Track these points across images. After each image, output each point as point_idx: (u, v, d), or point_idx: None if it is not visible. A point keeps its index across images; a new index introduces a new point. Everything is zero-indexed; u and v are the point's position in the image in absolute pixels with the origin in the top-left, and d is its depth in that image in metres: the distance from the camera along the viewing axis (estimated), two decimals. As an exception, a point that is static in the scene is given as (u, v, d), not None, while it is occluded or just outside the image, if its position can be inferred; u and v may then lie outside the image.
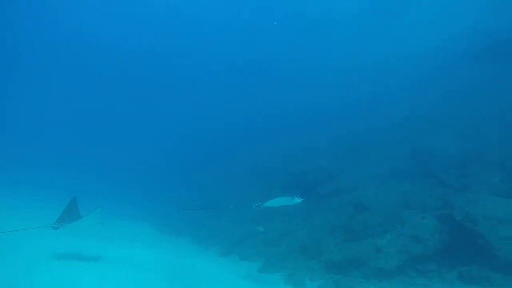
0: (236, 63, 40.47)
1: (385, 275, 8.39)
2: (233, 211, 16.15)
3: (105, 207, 9.04)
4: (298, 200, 9.49)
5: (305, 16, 36.17)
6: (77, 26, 43.48)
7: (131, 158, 33.15)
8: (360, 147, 16.98)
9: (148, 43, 45.00)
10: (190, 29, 43.58)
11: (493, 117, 14.83)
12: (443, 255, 8.14)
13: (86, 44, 45.62)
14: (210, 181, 21.90)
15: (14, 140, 35.77)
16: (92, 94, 48.76)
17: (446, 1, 26.79)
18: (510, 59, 16.64)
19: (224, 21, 40.64)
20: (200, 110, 40.09)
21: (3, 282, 6.71)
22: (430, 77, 20.55)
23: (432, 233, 8.47)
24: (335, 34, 33.47)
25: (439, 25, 24.84)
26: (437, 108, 17.42)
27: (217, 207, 14.49)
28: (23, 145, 34.31)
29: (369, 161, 15.43)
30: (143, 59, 46.99)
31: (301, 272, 10.07)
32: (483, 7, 22.24)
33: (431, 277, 8.03)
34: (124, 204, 20.40)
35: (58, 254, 9.15)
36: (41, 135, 40.44)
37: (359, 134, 18.22)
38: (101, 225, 9.03)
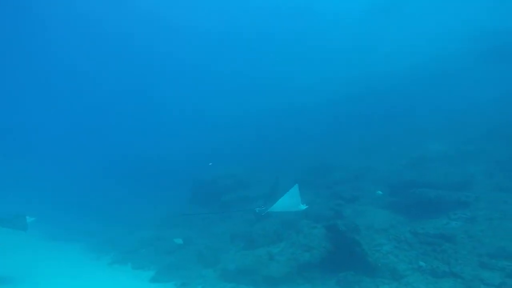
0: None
1: (274, 283, 8.52)
2: (134, 216, 15.11)
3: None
4: (303, 207, 9.24)
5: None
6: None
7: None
8: (270, 158, 17.52)
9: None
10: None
11: (384, 139, 16.88)
12: (327, 263, 8.61)
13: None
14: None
15: None
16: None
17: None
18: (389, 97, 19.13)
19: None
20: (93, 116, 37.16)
21: None
22: (344, 98, 22.59)
23: (319, 242, 8.93)
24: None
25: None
26: (343, 127, 19.16)
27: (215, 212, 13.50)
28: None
29: (277, 172, 15.99)
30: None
31: (195, 281, 9.73)
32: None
33: (315, 284, 8.41)
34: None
35: None
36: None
37: (272, 145, 18.86)
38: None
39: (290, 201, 8.80)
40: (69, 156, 28.86)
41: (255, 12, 32.91)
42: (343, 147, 16.47)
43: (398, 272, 7.71)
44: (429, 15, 27.88)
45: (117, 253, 12.72)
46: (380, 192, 11.21)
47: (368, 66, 25.92)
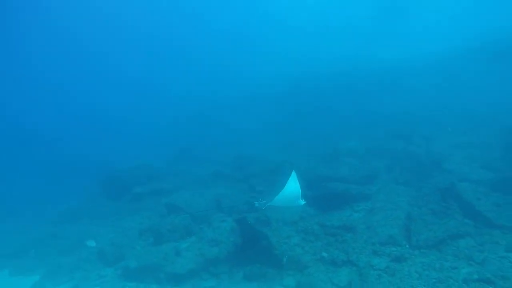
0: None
1: (178, 280, 8.01)
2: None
3: None
4: (302, 202, 8.24)
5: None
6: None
7: None
8: (189, 149, 16.86)
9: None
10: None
11: (304, 135, 17.49)
12: (236, 257, 8.39)
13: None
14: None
15: None
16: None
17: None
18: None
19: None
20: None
21: None
22: (267, 94, 22.88)
23: (228, 236, 8.67)
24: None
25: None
26: (264, 122, 19.35)
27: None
28: None
29: (196, 164, 15.47)
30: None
31: (91, 282, 8.70)
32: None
33: (222, 278, 8.13)
34: None
35: None
36: None
37: (192, 136, 18.20)
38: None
39: (291, 194, 8.32)
40: None
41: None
42: (263, 141, 16.61)
43: (302, 263, 7.84)
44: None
45: (-1, 254, 10.83)
46: None
47: (297, 65, 26.85)
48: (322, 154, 14.11)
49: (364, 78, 21.67)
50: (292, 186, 8.33)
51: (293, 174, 8.23)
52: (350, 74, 22.51)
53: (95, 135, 21.40)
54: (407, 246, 7.59)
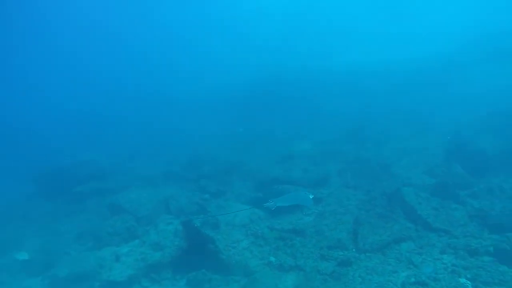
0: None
1: (115, 288, 7.36)
2: None
3: None
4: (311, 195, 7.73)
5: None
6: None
7: None
8: (142, 148, 15.98)
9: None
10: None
11: (261, 136, 17.37)
12: (180, 262, 7.93)
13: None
14: None
15: None
16: None
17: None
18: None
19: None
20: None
21: None
22: (225, 96, 22.52)
23: (173, 240, 8.19)
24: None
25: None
26: (221, 122, 18.97)
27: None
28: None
29: (145, 163, 14.67)
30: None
31: (13, 294, 7.72)
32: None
33: (164, 285, 7.65)
34: None
35: None
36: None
37: (140, 132, 17.31)
38: None
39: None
40: None
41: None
42: (219, 142, 16.23)
43: (249, 268, 7.56)
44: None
45: None
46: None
47: (256, 67, 26.79)
48: (276, 155, 14.04)
49: (322, 81, 22.15)
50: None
51: None
52: (308, 77, 22.89)
53: (40, 130, 19.53)
54: (353, 250, 7.64)
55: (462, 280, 5.86)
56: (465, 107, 16.40)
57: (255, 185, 12.23)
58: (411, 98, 18.34)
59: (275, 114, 20.00)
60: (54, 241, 9.94)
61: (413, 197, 8.83)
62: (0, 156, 16.01)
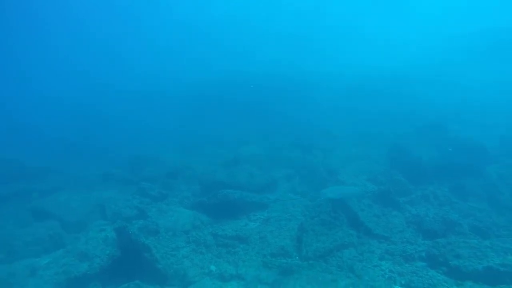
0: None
1: (28, 306, 6.39)
2: None
3: None
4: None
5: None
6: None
7: None
8: (80, 147, 14.63)
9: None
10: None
11: (207, 139, 16.88)
12: (111, 273, 7.16)
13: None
14: None
15: None
16: None
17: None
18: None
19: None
20: None
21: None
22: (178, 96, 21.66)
23: (104, 249, 7.39)
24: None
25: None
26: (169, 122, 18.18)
27: None
28: None
29: (82, 164, 13.41)
30: None
31: None
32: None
33: (89, 299, 6.81)
34: None
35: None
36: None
37: (78, 130, 15.90)
38: None
39: None
40: None
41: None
42: (164, 143, 15.42)
43: (187, 278, 7.07)
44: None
45: None
46: None
47: (209, 68, 26.24)
48: (223, 159, 13.66)
49: (278, 87, 22.25)
50: None
51: None
52: (265, 83, 22.88)
53: None
54: (297, 257, 7.48)
55: (397, 287, 5.95)
56: (404, 118, 17.45)
57: (201, 189, 11.73)
58: (358, 107, 19.11)
59: (227, 117, 19.64)
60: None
61: (356, 203, 8.97)
62: None
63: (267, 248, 7.78)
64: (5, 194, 10.79)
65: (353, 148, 15.05)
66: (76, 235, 8.88)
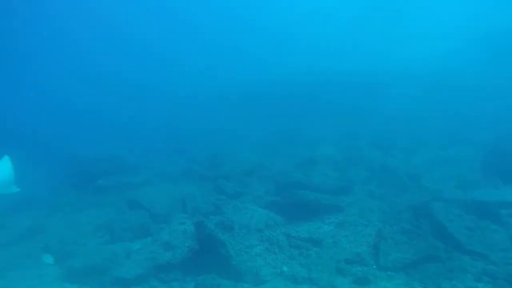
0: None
1: (123, 285, 7.28)
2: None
3: None
4: (15, 189, 7.17)
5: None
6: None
7: None
8: (161, 144, 16.11)
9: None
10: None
11: (284, 139, 16.97)
12: (190, 264, 7.74)
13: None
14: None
15: None
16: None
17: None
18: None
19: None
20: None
21: None
22: (248, 96, 22.32)
23: (184, 241, 7.99)
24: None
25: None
26: (245, 123, 18.79)
27: None
28: None
29: (167, 160, 14.74)
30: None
31: (27, 282, 7.86)
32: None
33: (173, 286, 7.47)
34: None
35: None
36: None
37: (164, 130, 17.45)
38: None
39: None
40: None
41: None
42: (239, 142, 16.00)
43: (260, 277, 7.23)
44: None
45: None
46: None
47: (286, 66, 26.36)
48: (299, 159, 13.58)
49: (352, 83, 21.31)
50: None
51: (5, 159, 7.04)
52: (340, 78, 22.10)
53: (64, 125, 20.27)
54: (374, 266, 7.09)
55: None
56: (505, 116, 15.08)
57: (275, 188, 11.87)
58: (446, 105, 17.16)
59: (304, 116, 19.47)
60: (74, 231, 10.09)
61: (444, 213, 8.10)
62: (30, 147, 16.71)
63: (342, 253, 7.53)
64: (108, 186, 12.47)
65: (440, 150, 13.59)
66: (161, 225, 9.76)
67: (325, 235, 8.42)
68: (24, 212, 11.54)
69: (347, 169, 12.65)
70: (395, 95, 18.53)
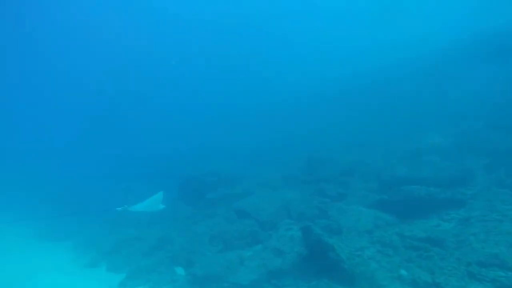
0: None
1: (241, 291, 7.78)
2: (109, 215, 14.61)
3: None
4: (161, 206, 8.71)
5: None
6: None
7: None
8: (258, 153, 16.74)
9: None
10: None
11: (380, 132, 15.81)
12: (300, 269, 7.80)
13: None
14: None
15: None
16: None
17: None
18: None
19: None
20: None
21: None
22: (337, 93, 21.56)
23: (292, 246, 8.12)
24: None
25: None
26: (336, 121, 18.17)
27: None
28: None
29: (265, 168, 15.25)
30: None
31: (165, 286, 9.09)
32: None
33: (287, 291, 7.64)
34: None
35: None
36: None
37: (259, 141, 18.08)
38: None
39: (151, 204, 8.84)
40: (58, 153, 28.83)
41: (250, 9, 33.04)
42: (335, 142, 15.50)
43: (376, 282, 6.83)
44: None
45: (95, 254, 12.20)
46: None
47: (363, 61, 24.74)
48: (401, 152, 12.46)
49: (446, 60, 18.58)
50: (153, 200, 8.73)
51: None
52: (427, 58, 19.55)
53: (170, 139, 22.83)
54: (519, 270, 5.97)
55: None
56: None
57: (379, 186, 11.13)
58: None
59: (395, 106, 17.85)
60: (193, 241, 11.24)
61: None
62: (152, 165, 19.33)
63: (472, 255, 6.57)
64: (216, 198, 13.57)
65: None
66: (269, 232, 10.11)
67: (447, 234, 7.50)
68: (154, 225, 13.37)
69: (461, 157, 11.03)
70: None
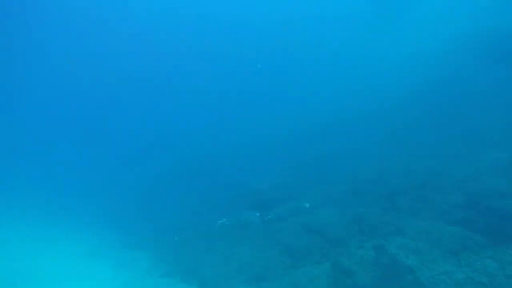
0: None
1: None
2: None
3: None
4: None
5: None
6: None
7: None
8: (325, 167, 16.21)
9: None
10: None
11: (460, 139, 14.17)
12: (376, 291, 7.20)
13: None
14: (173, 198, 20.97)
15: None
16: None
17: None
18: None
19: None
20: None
21: None
22: (410, 98, 20.00)
23: (365, 266, 7.55)
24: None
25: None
26: (407, 129, 16.81)
27: None
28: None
29: (332, 182, 14.66)
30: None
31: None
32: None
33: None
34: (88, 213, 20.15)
35: None
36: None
37: (327, 154, 17.52)
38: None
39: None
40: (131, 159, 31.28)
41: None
42: (407, 151, 14.24)
43: (466, 313, 5.97)
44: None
45: (170, 264, 12.92)
46: None
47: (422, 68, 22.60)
48: (489, 159, 10.89)
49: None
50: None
51: None
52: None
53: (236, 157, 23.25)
54: None
55: None
56: None
57: (464, 200, 9.83)
58: None
59: (468, 111, 15.89)
60: (261, 255, 11.18)
61: None
62: (216, 179, 19.99)
63: None
64: (284, 212, 13.39)
65: None
66: (338, 249, 9.60)
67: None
68: (224, 239, 13.69)
69: None
70: None
